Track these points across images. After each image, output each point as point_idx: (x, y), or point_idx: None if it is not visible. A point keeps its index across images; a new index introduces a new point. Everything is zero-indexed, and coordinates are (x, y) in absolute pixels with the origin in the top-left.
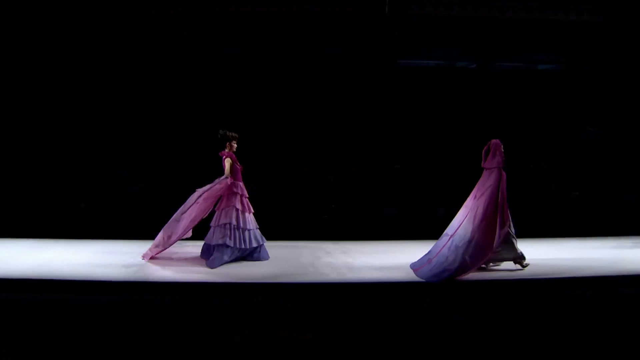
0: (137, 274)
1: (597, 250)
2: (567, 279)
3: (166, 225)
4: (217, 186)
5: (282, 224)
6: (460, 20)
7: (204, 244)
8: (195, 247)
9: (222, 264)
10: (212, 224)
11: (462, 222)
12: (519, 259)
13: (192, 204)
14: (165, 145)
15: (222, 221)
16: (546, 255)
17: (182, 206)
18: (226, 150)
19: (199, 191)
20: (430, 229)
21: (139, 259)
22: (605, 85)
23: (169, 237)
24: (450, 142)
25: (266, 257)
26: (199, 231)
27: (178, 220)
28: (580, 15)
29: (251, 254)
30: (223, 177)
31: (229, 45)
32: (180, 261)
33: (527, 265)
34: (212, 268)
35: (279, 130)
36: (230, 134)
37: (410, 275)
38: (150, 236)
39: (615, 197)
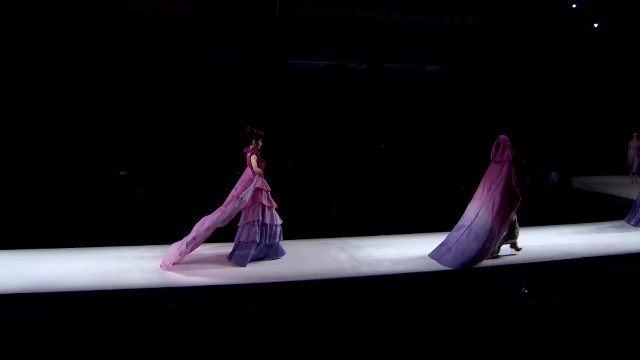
0: (163, 280)
1: None
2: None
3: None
4: (249, 187)
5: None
6: (350, 22)
7: (235, 244)
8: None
9: (250, 261)
10: (240, 223)
11: (478, 212)
12: (515, 243)
13: (229, 209)
14: (48, 149)
15: (251, 218)
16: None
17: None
18: (251, 147)
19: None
20: (323, 228)
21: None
22: (487, 85)
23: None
24: (341, 141)
25: (284, 253)
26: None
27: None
28: (463, 19)
29: (275, 250)
30: (256, 177)
31: (122, 45)
32: (206, 264)
33: (520, 249)
34: (243, 266)
35: (168, 132)
36: (258, 131)
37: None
38: (27, 245)
39: None
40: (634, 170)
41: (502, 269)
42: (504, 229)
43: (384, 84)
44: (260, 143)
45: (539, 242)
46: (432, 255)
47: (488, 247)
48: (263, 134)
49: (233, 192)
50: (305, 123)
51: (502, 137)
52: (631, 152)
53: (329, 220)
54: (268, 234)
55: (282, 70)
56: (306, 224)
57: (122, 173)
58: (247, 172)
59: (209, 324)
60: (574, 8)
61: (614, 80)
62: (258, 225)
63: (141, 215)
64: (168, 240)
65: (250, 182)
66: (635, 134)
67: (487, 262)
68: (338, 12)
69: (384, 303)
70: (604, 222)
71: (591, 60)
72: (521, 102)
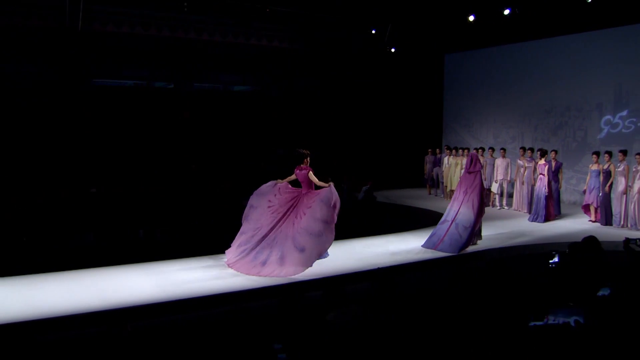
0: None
1: None
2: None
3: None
4: (334, 196)
5: None
6: (157, 40)
7: None
8: None
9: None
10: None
11: (459, 210)
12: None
13: (320, 216)
14: None
15: None
16: None
17: (308, 224)
18: (303, 165)
19: (316, 205)
20: (132, 251)
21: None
22: (292, 105)
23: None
24: (149, 163)
25: (328, 254)
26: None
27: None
28: (271, 41)
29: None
30: (329, 187)
31: None
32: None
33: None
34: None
35: None
36: (306, 151)
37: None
38: None
39: None
40: (430, 183)
41: (305, 284)
42: (480, 221)
43: (192, 104)
44: (309, 160)
45: (345, 254)
46: (427, 245)
47: (473, 234)
48: (310, 152)
49: (279, 204)
50: (111, 144)
51: (474, 153)
52: (427, 167)
53: (138, 244)
54: None
55: (85, 89)
56: (113, 248)
57: None
58: (295, 188)
59: None
60: (373, 34)
61: (409, 101)
62: None
63: None
64: None
65: (311, 194)
66: (429, 150)
67: (291, 278)
68: (144, 30)
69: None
70: (404, 232)
71: (389, 81)
72: (327, 121)
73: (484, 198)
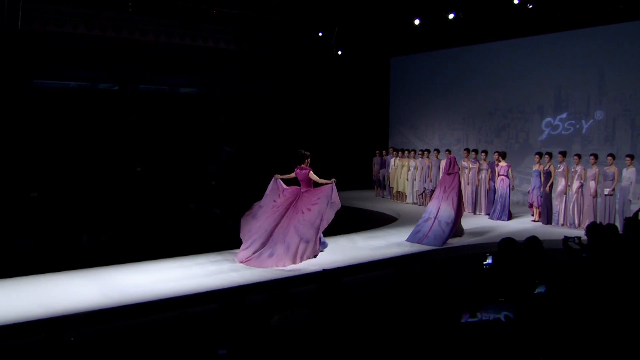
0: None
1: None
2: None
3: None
4: (334, 194)
5: None
6: (101, 41)
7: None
8: None
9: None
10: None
11: (440, 207)
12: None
13: (324, 211)
14: None
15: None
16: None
17: (313, 217)
18: (304, 165)
19: (322, 201)
20: (76, 257)
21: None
22: (238, 107)
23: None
24: (93, 165)
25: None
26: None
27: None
28: (217, 42)
29: (323, 243)
30: (328, 184)
31: None
32: None
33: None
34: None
35: None
36: (307, 152)
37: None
38: None
39: None
40: (377, 184)
41: (249, 287)
42: (460, 217)
43: (138, 105)
44: (309, 160)
45: None
46: (411, 240)
47: (454, 229)
48: (310, 153)
49: (282, 203)
50: (53, 147)
51: (452, 156)
52: (375, 168)
53: (80, 249)
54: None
55: (26, 90)
56: (55, 254)
57: None
58: (295, 187)
59: None
60: (320, 36)
61: (356, 103)
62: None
63: None
64: None
65: (313, 191)
66: (377, 151)
67: (234, 281)
68: (88, 30)
69: None
70: (351, 234)
71: (336, 84)
72: (274, 124)
73: (462, 197)
